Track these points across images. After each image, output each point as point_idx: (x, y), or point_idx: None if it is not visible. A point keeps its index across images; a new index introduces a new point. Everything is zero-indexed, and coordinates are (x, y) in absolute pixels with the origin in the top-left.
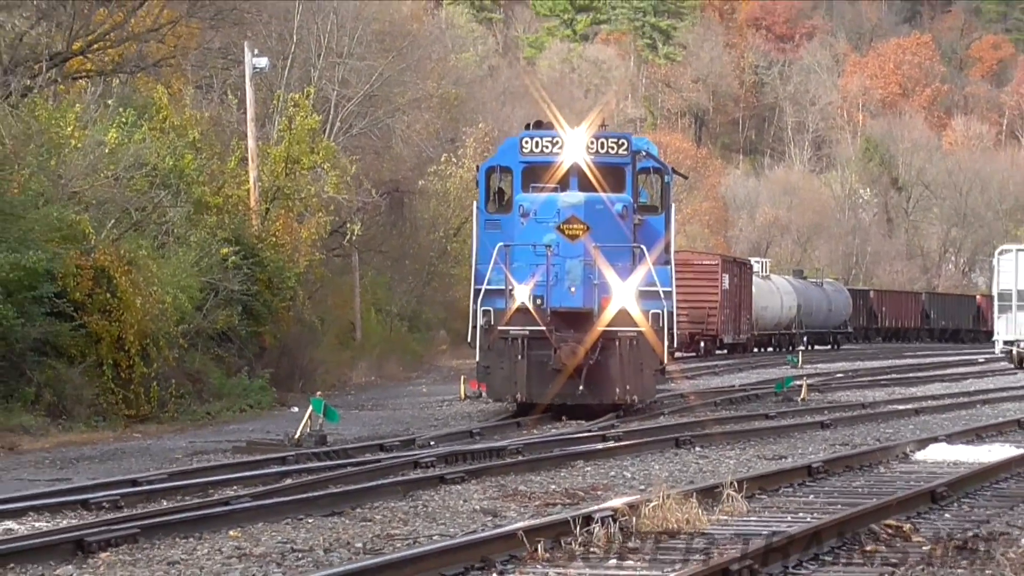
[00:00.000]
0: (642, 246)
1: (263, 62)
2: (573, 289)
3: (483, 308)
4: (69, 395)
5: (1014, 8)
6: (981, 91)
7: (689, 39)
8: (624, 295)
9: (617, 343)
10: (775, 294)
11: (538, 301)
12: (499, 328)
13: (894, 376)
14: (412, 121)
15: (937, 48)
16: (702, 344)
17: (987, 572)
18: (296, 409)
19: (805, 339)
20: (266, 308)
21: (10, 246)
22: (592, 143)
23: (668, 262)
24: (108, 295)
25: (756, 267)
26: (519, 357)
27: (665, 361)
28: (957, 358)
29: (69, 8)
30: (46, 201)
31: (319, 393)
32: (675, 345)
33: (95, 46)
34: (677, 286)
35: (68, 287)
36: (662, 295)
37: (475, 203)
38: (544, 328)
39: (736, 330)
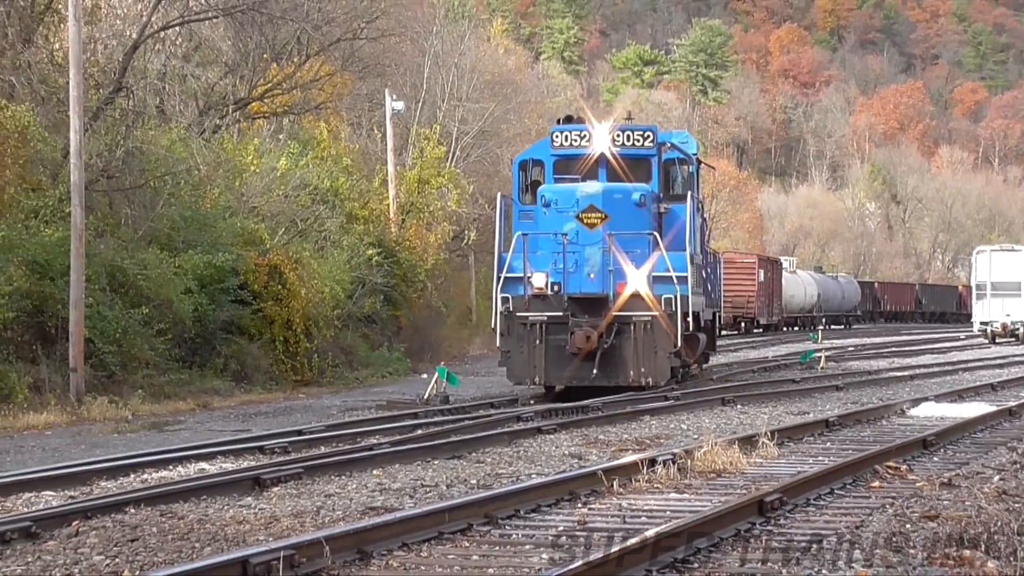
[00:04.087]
0: (655, 233)
1: (400, 105)
2: (592, 276)
3: (503, 295)
4: (249, 364)
5: (988, 61)
6: (962, 126)
7: (732, 86)
8: (638, 281)
9: (631, 327)
10: (800, 285)
11: (555, 288)
12: (518, 314)
13: (894, 349)
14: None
15: (927, 92)
16: (742, 324)
17: (967, 503)
18: (425, 375)
19: (823, 320)
20: (402, 297)
21: (204, 249)
22: (618, 135)
23: (684, 248)
24: (280, 287)
25: (785, 264)
26: (537, 342)
27: (679, 344)
28: (943, 335)
29: (250, 65)
30: (232, 214)
31: (443, 362)
32: (689, 328)
33: (270, 93)
34: (724, 280)
35: (249, 280)
36: (675, 280)
37: (499, 194)
38: (561, 313)
39: (769, 313)
